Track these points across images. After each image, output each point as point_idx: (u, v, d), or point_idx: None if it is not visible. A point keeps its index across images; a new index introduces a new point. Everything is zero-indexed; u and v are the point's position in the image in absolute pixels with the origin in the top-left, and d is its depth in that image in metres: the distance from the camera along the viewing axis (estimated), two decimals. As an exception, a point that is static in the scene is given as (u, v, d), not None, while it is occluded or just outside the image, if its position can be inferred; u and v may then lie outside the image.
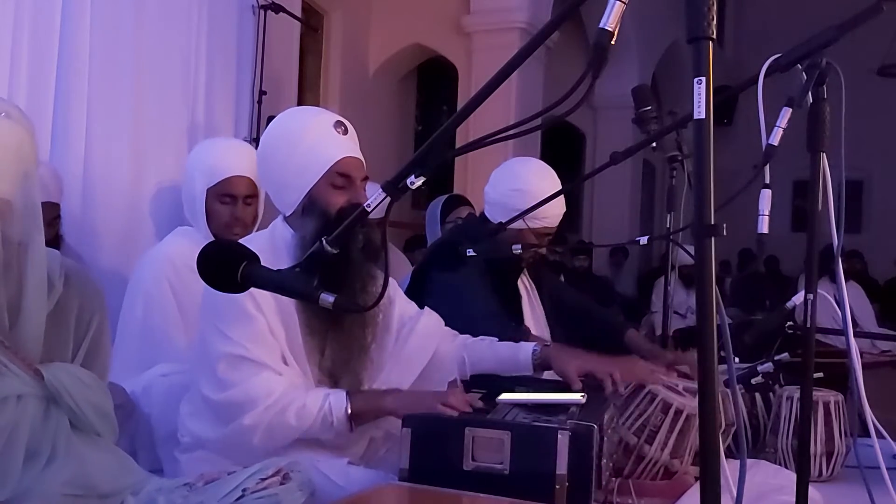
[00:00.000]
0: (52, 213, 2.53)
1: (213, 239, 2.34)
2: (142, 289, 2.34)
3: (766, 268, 9.17)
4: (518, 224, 2.33)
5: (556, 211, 2.38)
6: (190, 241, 2.37)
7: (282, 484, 1.39)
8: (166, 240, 2.47)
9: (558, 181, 2.42)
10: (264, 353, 1.64)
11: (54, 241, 2.55)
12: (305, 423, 1.61)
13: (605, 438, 1.53)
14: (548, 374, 2.03)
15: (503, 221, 2.32)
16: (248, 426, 1.61)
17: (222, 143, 2.60)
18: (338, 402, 1.62)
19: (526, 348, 1.98)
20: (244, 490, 1.38)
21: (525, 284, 2.54)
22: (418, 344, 1.91)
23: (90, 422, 1.38)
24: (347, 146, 1.75)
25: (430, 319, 1.99)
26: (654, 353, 2.33)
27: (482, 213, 2.50)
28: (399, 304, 1.95)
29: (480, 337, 2.04)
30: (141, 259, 2.47)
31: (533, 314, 2.50)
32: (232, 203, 2.37)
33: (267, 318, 1.66)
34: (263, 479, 1.40)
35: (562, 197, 2.40)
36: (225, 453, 1.68)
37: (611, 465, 1.65)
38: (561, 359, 1.90)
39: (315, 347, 1.72)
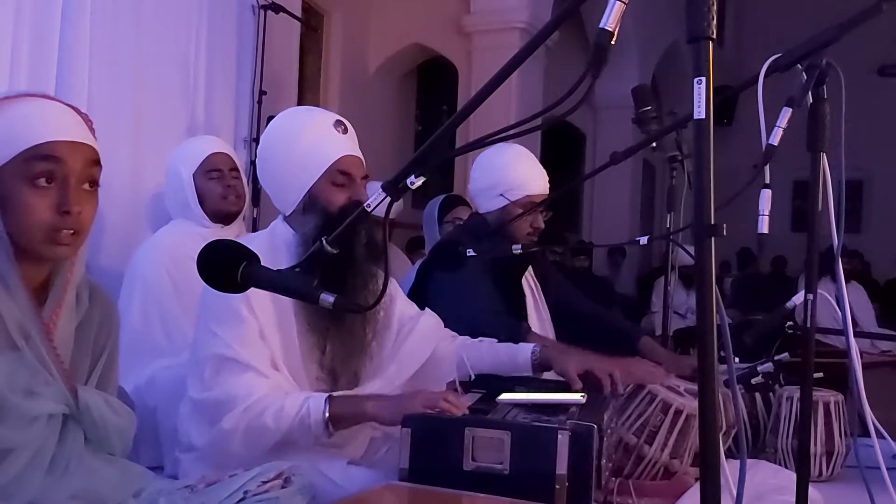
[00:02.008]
0: None
1: (209, 220, 2.47)
2: (139, 279, 2.36)
3: (773, 268, 9.18)
4: (499, 201, 2.35)
5: (532, 178, 2.38)
6: (186, 231, 2.44)
7: (283, 487, 1.39)
8: (162, 230, 2.52)
9: (526, 151, 2.42)
10: (251, 355, 1.63)
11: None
12: (283, 425, 1.59)
13: (605, 438, 1.53)
14: (548, 375, 2.03)
15: (504, 221, 2.33)
16: (227, 430, 1.61)
17: (194, 138, 2.85)
18: (316, 405, 1.60)
19: (525, 349, 1.98)
20: (245, 492, 1.38)
21: (530, 283, 2.54)
22: (416, 344, 1.91)
23: (112, 445, 1.38)
24: (347, 145, 1.75)
25: (430, 320, 1.99)
26: (671, 360, 2.30)
27: (483, 216, 2.50)
28: (399, 303, 1.96)
29: (480, 338, 2.05)
30: (137, 250, 2.50)
31: (537, 313, 2.50)
32: (220, 176, 2.52)
33: (260, 321, 1.65)
34: (265, 482, 1.40)
35: (538, 166, 2.42)
36: (210, 461, 1.68)
37: (610, 465, 1.65)
38: (561, 358, 1.91)
39: (315, 345, 1.72)
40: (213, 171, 2.51)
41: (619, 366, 1.85)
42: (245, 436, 1.61)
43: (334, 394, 1.67)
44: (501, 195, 2.36)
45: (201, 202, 2.49)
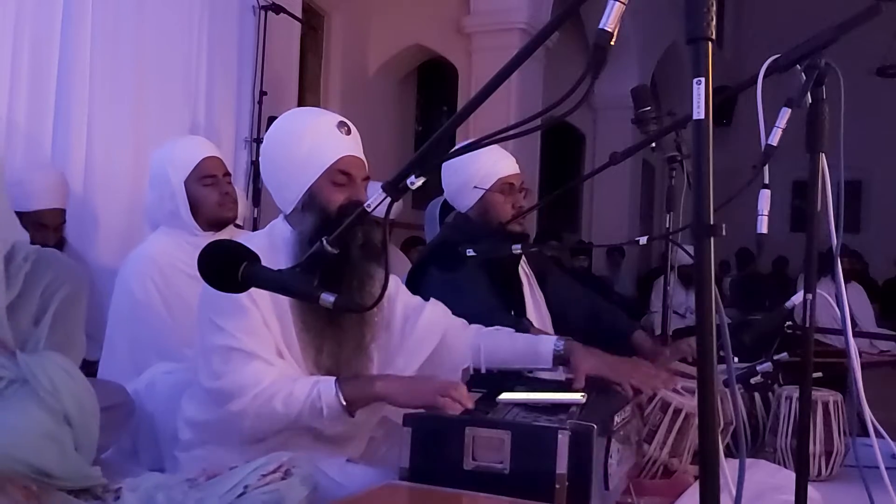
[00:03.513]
0: (59, 219, 2.53)
1: (201, 230, 2.36)
2: (127, 291, 2.31)
3: (773, 268, 9.17)
4: (476, 193, 2.36)
5: (498, 162, 2.39)
6: (173, 240, 2.34)
7: (283, 479, 1.40)
8: (149, 239, 2.42)
9: (494, 147, 2.40)
10: (256, 344, 1.64)
11: (58, 243, 2.55)
12: (293, 410, 1.60)
13: (613, 439, 1.52)
14: (548, 374, 2.03)
15: (503, 221, 2.33)
16: (236, 413, 1.62)
17: (180, 139, 2.61)
18: (327, 388, 1.61)
19: (547, 341, 1.96)
20: (246, 487, 1.39)
21: (525, 272, 2.54)
22: (422, 334, 1.90)
23: (65, 407, 1.36)
24: (349, 145, 1.76)
25: (436, 309, 1.98)
26: (659, 354, 2.30)
27: (465, 214, 2.49)
28: (401, 298, 1.95)
29: (496, 327, 2.04)
30: (125, 261, 2.42)
31: (534, 301, 2.50)
32: (215, 182, 2.36)
33: (262, 310, 1.66)
34: (265, 476, 1.40)
35: (501, 150, 2.42)
36: (218, 438, 1.68)
37: (626, 467, 1.63)
38: (578, 355, 1.89)
39: (311, 344, 1.72)
40: (207, 178, 2.34)
41: (625, 371, 1.85)
42: (254, 420, 1.62)
43: (342, 377, 1.67)
44: (476, 187, 2.37)
45: (194, 210, 2.34)
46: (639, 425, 1.74)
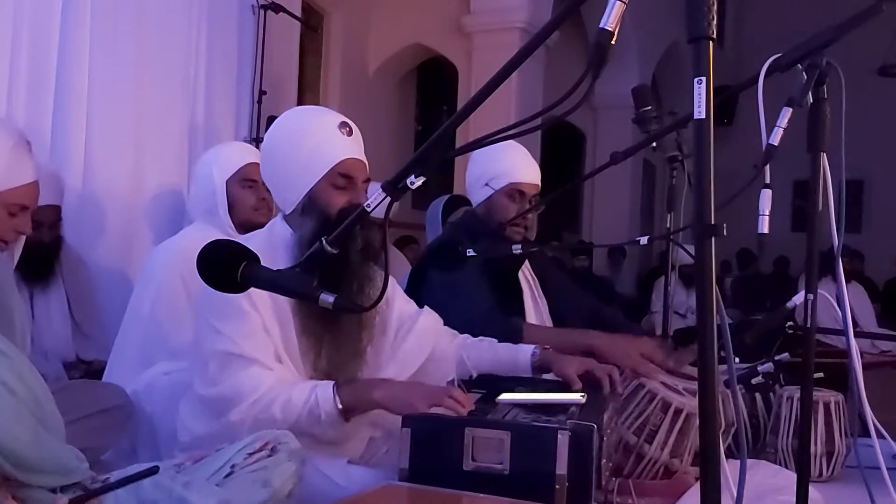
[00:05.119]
0: (53, 216, 2.53)
1: (235, 230, 2.43)
2: (153, 281, 2.34)
3: (775, 268, 9.17)
4: (485, 192, 2.35)
5: (516, 166, 2.36)
6: (207, 236, 2.35)
7: (269, 456, 1.39)
8: (182, 233, 2.49)
9: (515, 143, 2.34)
10: (255, 349, 1.64)
11: (55, 242, 2.55)
12: (291, 416, 1.60)
13: (605, 438, 1.53)
14: (547, 375, 2.03)
15: (502, 221, 2.32)
16: (235, 422, 1.61)
17: (228, 143, 2.79)
18: (325, 394, 1.61)
19: (524, 350, 1.98)
20: (233, 466, 1.38)
21: (527, 277, 2.53)
22: (415, 343, 1.90)
23: (11, 388, 1.29)
24: (351, 147, 1.75)
25: (429, 319, 1.98)
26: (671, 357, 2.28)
27: (474, 210, 2.49)
28: (398, 304, 1.95)
29: (480, 337, 2.04)
30: (154, 252, 2.48)
31: (535, 307, 2.49)
32: (254, 187, 2.47)
33: (262, 315, 1.65)
34: (251, 454, 1.40)
35: (526, 156, 2.39)
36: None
37: (610, 464, 1.65)
38: (560, 360, 1.90)
39: (311, 348, 1.71)
40: (247, 181, 2.46)
41: (618, 350, 1.84)
42: (253, 428, 1.61)
43: (340, 381, 1.66)
44: (486, 185, 2.36)
45: (231, 210, 2.45)
46: (616, 418, 1.74)
